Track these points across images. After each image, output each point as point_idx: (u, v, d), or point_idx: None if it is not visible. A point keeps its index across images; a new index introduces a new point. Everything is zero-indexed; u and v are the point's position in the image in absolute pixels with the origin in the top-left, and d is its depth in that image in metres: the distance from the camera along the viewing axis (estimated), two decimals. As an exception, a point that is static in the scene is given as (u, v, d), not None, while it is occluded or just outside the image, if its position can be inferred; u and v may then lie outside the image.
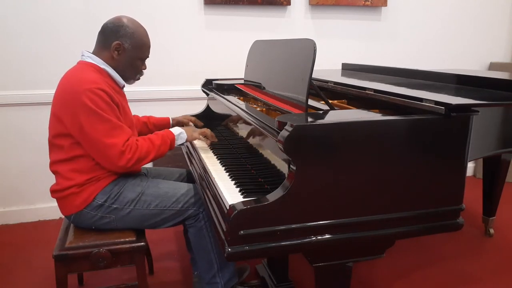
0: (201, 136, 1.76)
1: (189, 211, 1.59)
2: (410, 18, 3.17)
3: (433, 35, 3.26)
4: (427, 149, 1.21)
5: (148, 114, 2.66)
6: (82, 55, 1.58)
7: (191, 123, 2.06)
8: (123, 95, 1.67)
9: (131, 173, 1.64)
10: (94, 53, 1.59)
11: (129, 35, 1.56)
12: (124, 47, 1.57)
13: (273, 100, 1.56)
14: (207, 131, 1.78)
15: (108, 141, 1.43)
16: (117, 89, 1.60)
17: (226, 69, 2.78)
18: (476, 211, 2.71)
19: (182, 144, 1.69)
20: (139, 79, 1.70)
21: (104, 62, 1.57)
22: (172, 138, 1.63)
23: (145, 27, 1.63)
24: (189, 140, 1.72)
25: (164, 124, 2.00)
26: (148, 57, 1.66)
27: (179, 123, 2.04)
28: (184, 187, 1.63)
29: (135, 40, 1.57)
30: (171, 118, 2.03)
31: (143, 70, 1.68)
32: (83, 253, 1.49)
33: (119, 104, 1.52)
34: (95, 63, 1.56)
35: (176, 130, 1.66)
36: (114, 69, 1.59)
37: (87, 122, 1.42)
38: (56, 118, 1.50)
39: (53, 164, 1.57)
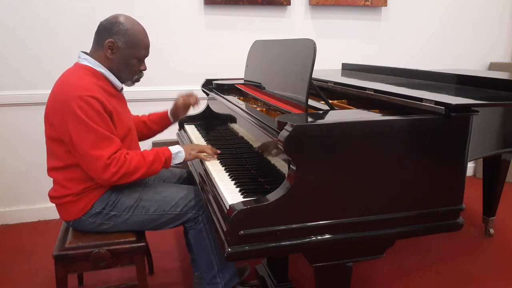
0: (200, 155, 1.60)
1: (188, 215, 1.58)
2: (410, 18, 3.17)
3: (433, 35, 3.26)
4: (427, 149, 1.21)
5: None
6: (79, 57, 1.54)
7: (191, 101, 1.89)
8: (121, 98, 1.63)
9: None
10: (90, 54, 1.54)
11: (122, 33, 1.48)
12: (118, 45, 1.49)
13: (273, 100, 1.56)
14: (206, 148, 1.63)
15: (93, 152, 1.37)
16: (113, 93, 1.55)
17: (226, 69, 2.78)
18: (476, 211, 2.71)
19: (180, 163, 1.58)
20: (138, 80, 1.63)
21: (99, 64, 1.51)
22: (168, 155, 1.53)
23: (145, 27, 1.58)
24: (187, 160, 1.60)
25: (162, 118, 1.91)
26: (146, 56, 1.59)
27: (175, 110, 1.91)
28: (183, 190, 1.62)
29: (130, 37, 1.49)
30: (169, 110, 1.91)
31: (143, 71, 1.61)
32: (83, 253, 1.49)
33: (112, 111, 1.46)
34: (91, 66, 1.51)
35: (174, 149, 1.56)
36: (110, 70, 1.53)
37: (75, 131, 1.37)
38: (48, 122, 1.47)
39: (49, 171, 1.55)
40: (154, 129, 1.92)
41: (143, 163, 1.46)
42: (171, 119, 1.92)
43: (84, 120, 1.37)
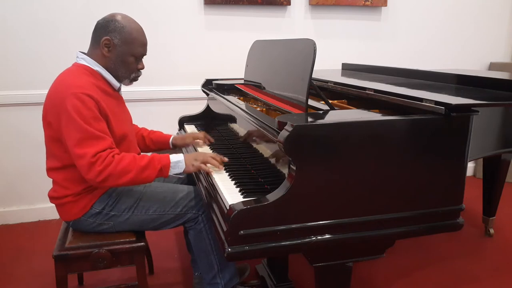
0: (203, 166, 1.48)
1: (188, 215, 1.58)
2: (410, 18, 3.17)
3: (433, 35, 3.26)
4: (427, 149, 1.21)
5: (148, 114, 2.68)
6: (77, 57, 1.54)
7: (199, 141, 1.84)
8: (119, 98, 1.62)
9: None
10: (88, 53, 1.54)
11: (118, 30, 1.48)
12: (114, 43, 1.49)
13: (273, 100, 1.56)
14: (211, 159, 1.48)
15: (78, 150, 1.34)
16: (110, 92, 1.55)
17: (226, 69, 2.78)
18: (476, 211, 2.71)
19: (180, 174, 1.48)
20: (136, 79, 1.62)
21: (96, 63, 1.51)
22: (166, 164, 1.43)
23: (145, 27, 1.59)
24: (188, 172, 1.50)
25: (163, 142, 1.87)
26: (143, 54, 1.58)
27: (180, 144, 1.86)
28: (183, 190, 1.62)
29: (125, 34, 1.49)
30: (173, 137, 1.86)
31: (141, 70, 1.60)
32: (83, 253, 1.49)
33: (108, 111, 1.45)
34: (88, 65, 1.51)
35: (174, 158, 1.46)
36: (107, 69, 1.53)
37: (65, 128, 1.36)
38: (46, 122, 1.47)
39: (49, 171, 1.54)
40: (151, 148, 1.88)
41: (133, 166, 1.38)
42: (171, 146, 1.89)
43: (74, 117, 1.35)
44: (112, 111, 1.49)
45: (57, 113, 1.40)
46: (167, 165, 1.44)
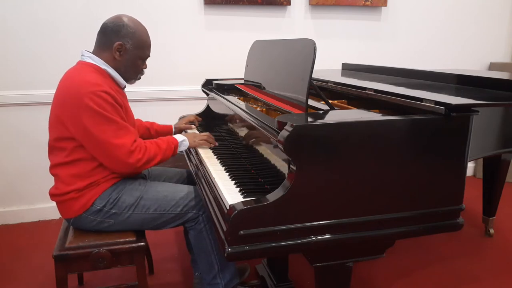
0: (202, 142, 1.75)
1: (188, 214, 1.58)
2: (410, 18, 3.17)
3: (433, 35, 3.26)
4: (427, 149, 1.21)
5: (148, 114, 2.67)
6: (82, 55, 1.56)
7: (193, 127, 2.10)
8: (125, 96, 1.65)
9: (130, 177, 1.62)
10: (94, 53, 1.56)
11: (130, 35, 1.54)
12: (126, 48, 1.54)
13: (273, 100, 1.56)
14: (208, 138, 1.77)
15: (116, 141, 1.43)
16: (118, 90, 1.58)
17: (226, 69, 2.78)
18: (476, 211, 2.72)
19: (182, 151, 1.72)
20: (140, 78, 1.68)
21: (104, 63, 1.54)
22: (176, 144, 1.64)
23: (145, 27, 1.61)
24: (191, 147, 1.75)
25: (167, 132, 2.01)
26: (149, 56, 1.64)
27: (181, 130, 2.07)
28: (183, 190, 1.63)
29: (137, 39, 1.55)
30: (174, 125, 2.05)
31: (144, 70, 1.66)
32: (83, 253, 1.49)
33: (122, 104, 1.51)
34: (95, 64, 1.53)
35: (179, 137, 1.67)
36: (115, 70, 1.57)
37: (93, 124, 1.41)
38: (58, 121, 1.48)
39: (53, 167, 1.55)
40: (154, 137, 1.93)
41: (158, 150, 1.56)
42: (174, 133, 2.03)
43: (101, 112, 1.41)
44: (124, 105, 1.56)
45: (73, 112, 1.42)
46: (177, 144, 1.65)
